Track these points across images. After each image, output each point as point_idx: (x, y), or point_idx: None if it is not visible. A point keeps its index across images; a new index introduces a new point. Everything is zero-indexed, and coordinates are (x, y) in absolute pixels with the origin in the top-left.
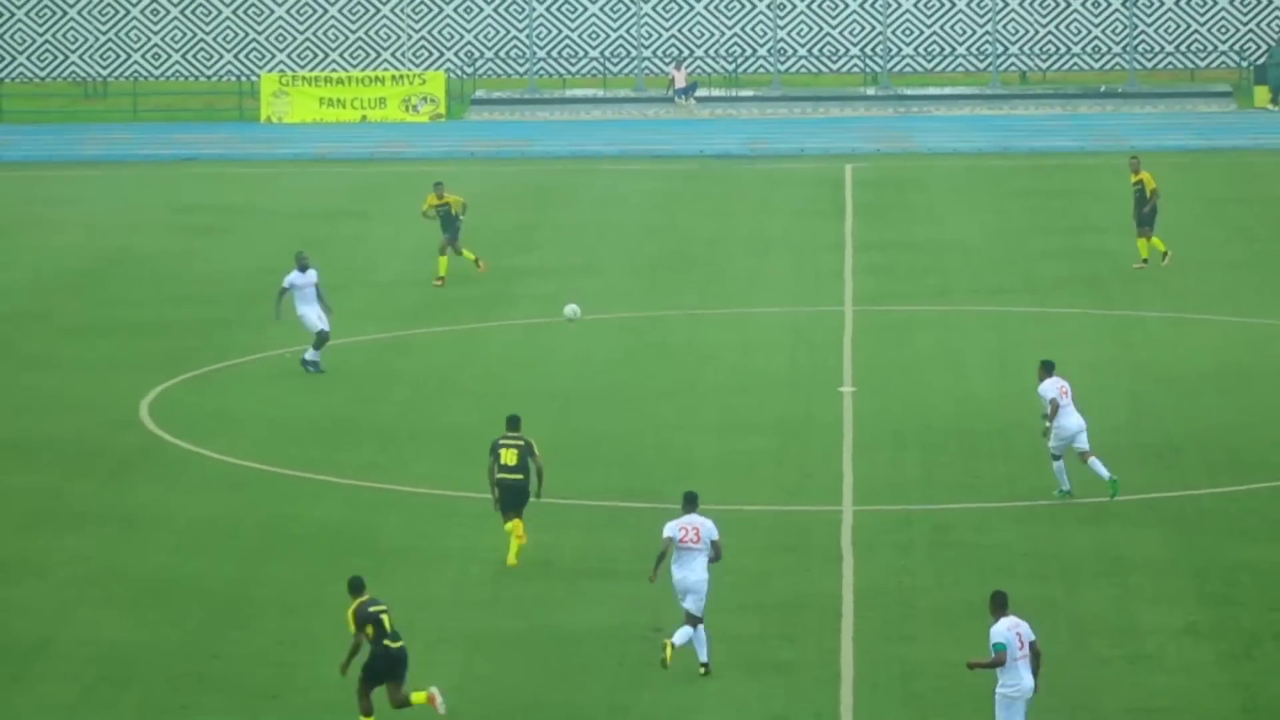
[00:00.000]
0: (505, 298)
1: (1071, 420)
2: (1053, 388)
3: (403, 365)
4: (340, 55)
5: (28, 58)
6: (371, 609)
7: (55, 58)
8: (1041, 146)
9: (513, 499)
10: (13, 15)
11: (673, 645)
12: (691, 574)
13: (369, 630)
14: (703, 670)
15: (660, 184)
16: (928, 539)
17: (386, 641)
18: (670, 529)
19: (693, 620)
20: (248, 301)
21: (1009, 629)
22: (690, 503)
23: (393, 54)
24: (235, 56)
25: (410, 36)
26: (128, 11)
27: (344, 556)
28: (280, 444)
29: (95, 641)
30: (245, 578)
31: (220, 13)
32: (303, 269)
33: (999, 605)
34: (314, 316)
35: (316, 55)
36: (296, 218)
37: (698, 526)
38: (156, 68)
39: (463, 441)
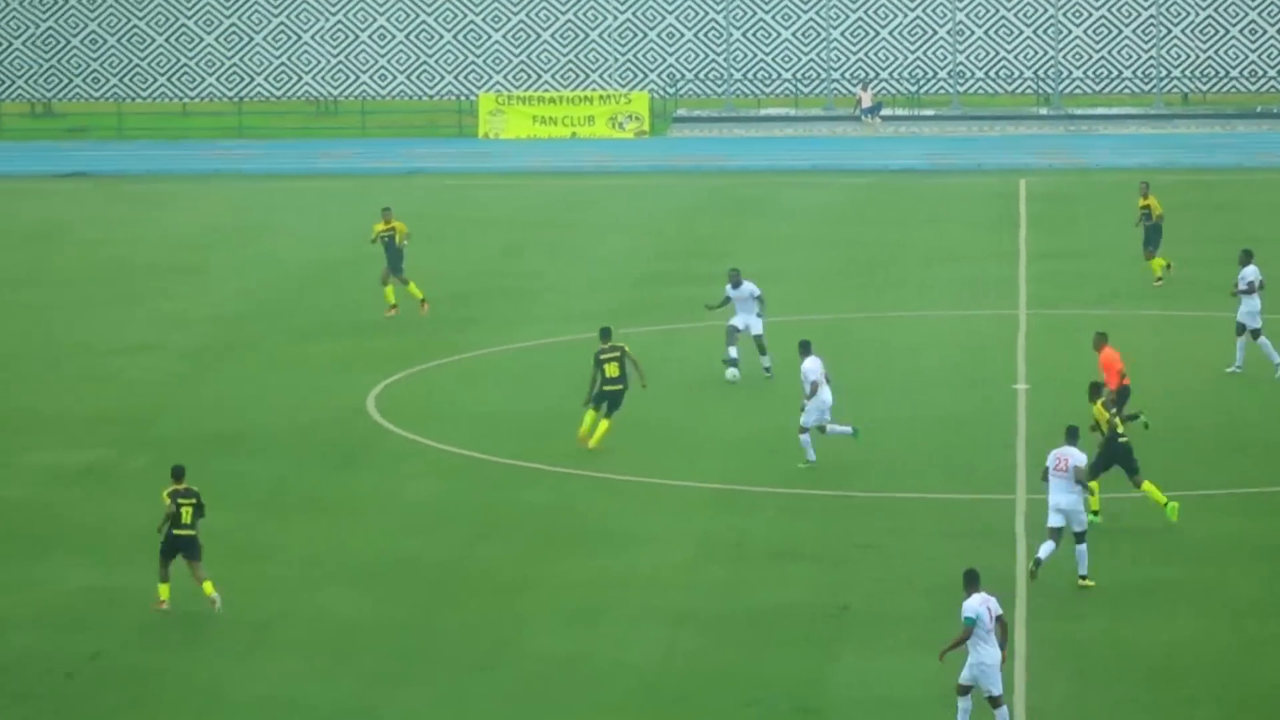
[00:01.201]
0: (703, 300)
1: (828, 395)
2: (815, 368)
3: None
4: (552, 76)
5: (265, 79)
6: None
7: (291, 79)
8: (1202, 163)
9: (613, 404)
10: (252, 40)
11: (1038, 560)
12: (1064, 499)
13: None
14: (1081, 582)
15: (847, 196)
16: (1097, 524)
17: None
18: (1049, 457)
19: (1055, 536)
20: (465, 303)
21: (980, 603)
22: (1071, 436)
23: (601, 75)
24: (455, 77)
25: (617, 59)
26: (357, 36)
27: (553, 539)
28: (495, 434)
29: (323, 617)
30: (461, 558)
31: (442, 37)
32: (735, 285)
33: (971, 582)
34: (740, 324)
35: (530, 76)
36: (510, 226)
37: (1067, 457)
38: (383, 88)
39: (665, 432)
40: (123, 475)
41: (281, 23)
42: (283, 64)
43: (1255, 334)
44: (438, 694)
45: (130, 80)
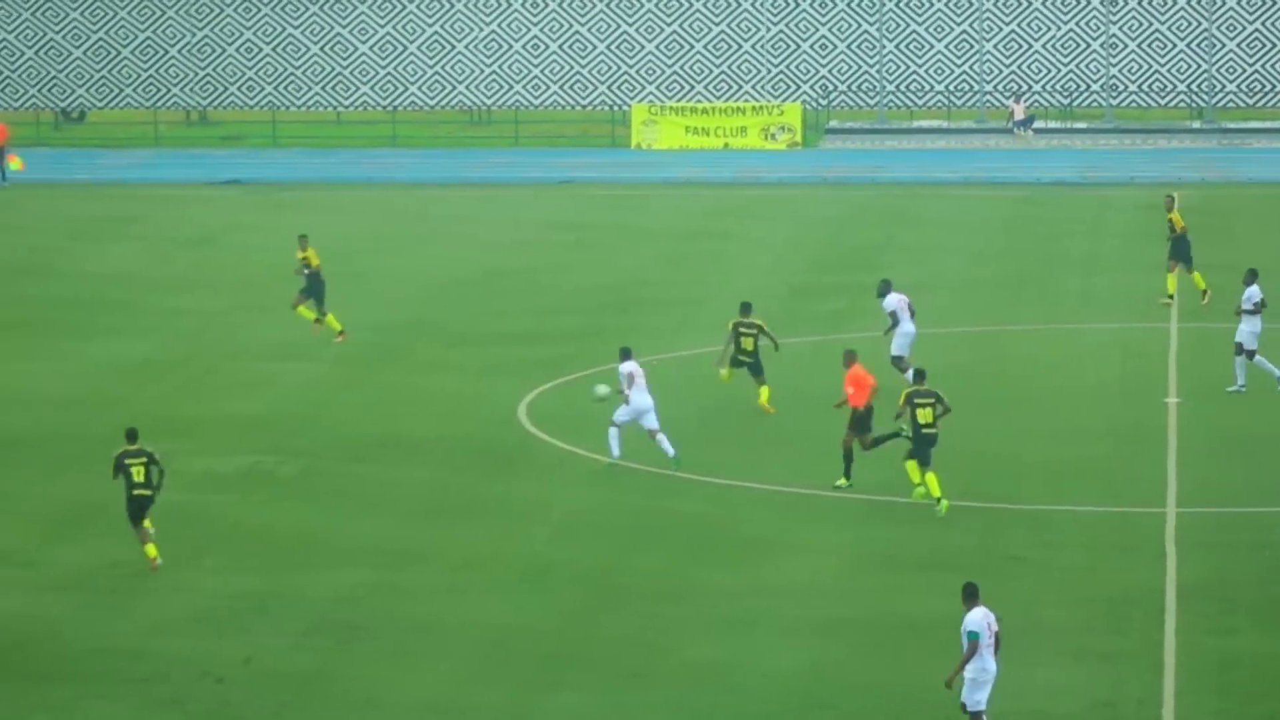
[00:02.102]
0: (855, 312)
1: (644, 400)
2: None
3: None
4: (705, 87)
5: (419, 88)
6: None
7: (444, 88)
8: None
9: (753, 372)
10: (406, 49)
11: None
12: None
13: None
14: None
15: (999, 208)
16: (1249, 539)
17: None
18: None
19: None
20: (618, 312)
21: (982, 618)
22: None
23: (753, 86)
24: (608, 88)
25: (770, 70)
26: (510, 46)
27: (707, 547)
28: (647, 443)
29: (478, 622)
30: (615, 566)
31: (595, 47)
32: (883, 295)
33: (970, 596)
34: (903, 334)
35: (683, 87)
36: (662, 236)
37: None
38: (536, 98)
39: (818, 443)
40: (277, 481)
41: (435, 32)
42: (436, 73)
43: (1250, 354)
44: (591, 700)
45: (285, 89)
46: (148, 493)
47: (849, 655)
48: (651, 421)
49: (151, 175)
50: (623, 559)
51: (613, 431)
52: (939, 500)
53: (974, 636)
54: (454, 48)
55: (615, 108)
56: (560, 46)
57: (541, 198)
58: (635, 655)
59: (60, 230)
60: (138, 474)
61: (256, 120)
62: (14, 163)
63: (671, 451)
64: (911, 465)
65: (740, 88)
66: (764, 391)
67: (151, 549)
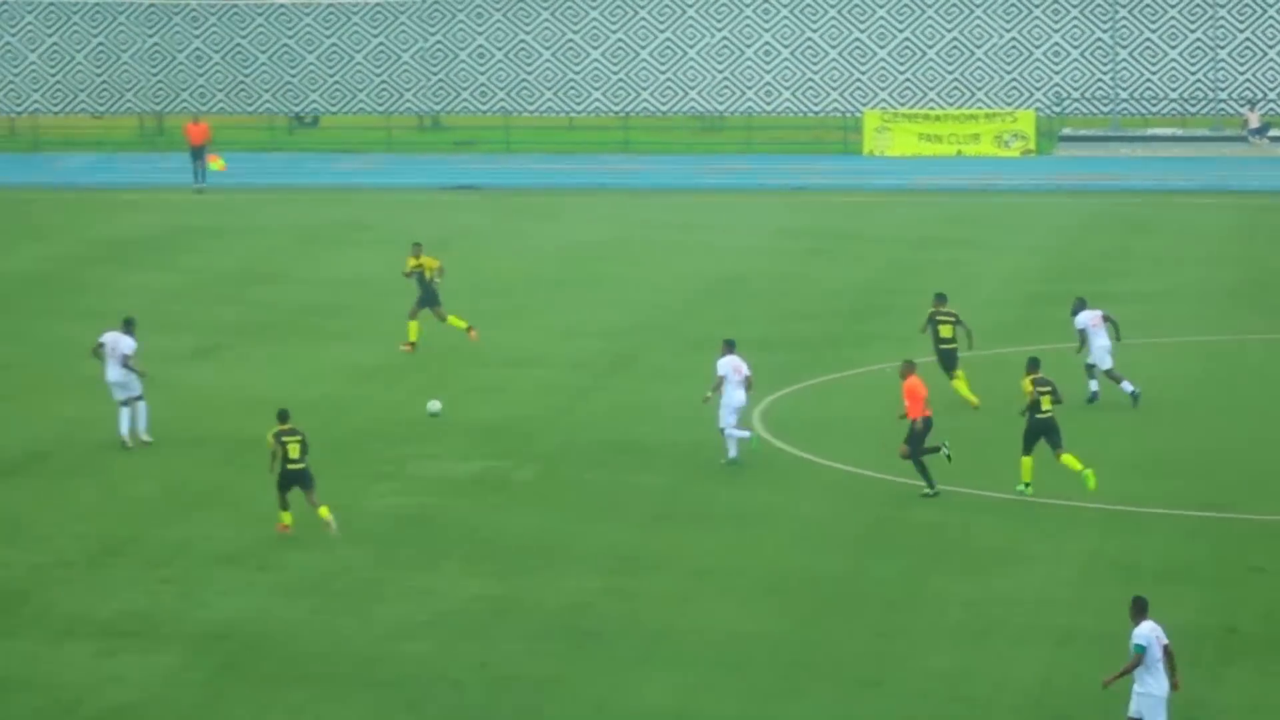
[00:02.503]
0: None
1: (734, 396)
2: (725, 365)
3: (995, 381)
4: (937, 94)
5: (651, 93)
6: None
7: (677, 94)
8: None
9: (948, 364)
10: (638, 55)
11: None
12: None
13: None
14: None
15: (1236, 217)
16: None
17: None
18: None
19: None
20: (852, 319)
21: (1150, 631)
22: None
23: (986, 93)
24: (841, 94)
25: (1002, 77)
26: (743, 52)
27: (940, 555)
28: (882, 451)
29: (711, 629)
30: (850, 573)
31: (828, 54)
32: (1076, 313)
33: (1139, 610)
34: (1098, 348)
35: (915, 94)
36: (896, 243)
37: None
38: (769, 104)
39: (1048, 450)
40: (513, 486)
41: (667, 38)
42: (668, 79)
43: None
44: (825, 708)
45: (517, 94)
46: (302, 466)
47: (1083, 667)
48: (728, 418)
49: (384, 180)
50: (857, 567)
51: (728, 434)
52: (1083, 472)
53: (1139, 650)
54: (686, 54)
55: (848, 114)
56: (792, 53)
57: (774, 204)
58: (869, 663)
59: (294, 235)
60: (293, 450)
61: (489, 125)
62: (215, 163)
63: (733, 453)
64: (1027, 461)
65: (973, 95)
66: (961, 385)
67: (324, 511)
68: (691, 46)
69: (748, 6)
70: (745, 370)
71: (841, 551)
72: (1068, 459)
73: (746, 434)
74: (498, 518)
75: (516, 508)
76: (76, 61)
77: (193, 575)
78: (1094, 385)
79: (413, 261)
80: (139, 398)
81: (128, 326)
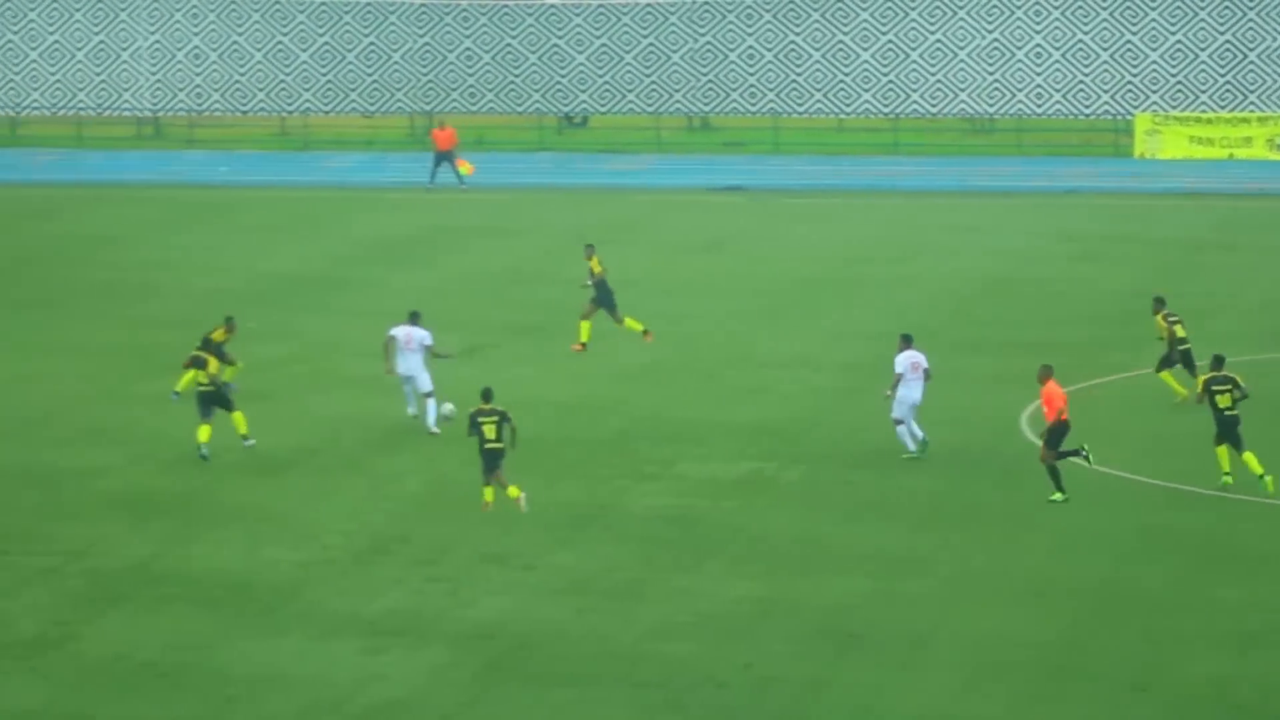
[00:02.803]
0: None
1: (914, 392)
2: (904, 361)
3: (1269, 386)
4: (1209, 97)
5: (921, 95)
6: (480, 418)
7: (946, 96)
8: None
9: (1186, 362)
10: (908, 56)
11: None
12: None
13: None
14: None
15: None
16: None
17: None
18: None
19: None
20: (1122, 324)
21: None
22: None
23: (1259, 96)
24: (1111, 97)
25: (1276, 81)
26: (1014, 54)
27: (1209, 561)
28: (1156, 456)
29: (976, 633)
30: (1116, 578)
31: (1099, 56)
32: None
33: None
34: None
35: (1187, 97)
36: (1167, 247)
37: None
38: (1039, 106)
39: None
40: (778, 487)
41: (937, 40)
42: (938, 81)
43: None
44: (1091, 713)
45: (787, 95)
46: (500, 445)
47: None
48: (903, 413)
49: (653, 181)
50: (1124, 571)
51: (900, 429)
52: (1262, 477)
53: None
54: (956, 55)
55: (1118, 117)
56: (1063, 55)
57: (1044, 207)
58: (1136, 668)
59: (561, 235)
60: (489, 431)
61: (758, 126)
62: (464, 167)
63: (912, 447)
64: (1221, 451)
65: (1245, 98)
66: (1168, 377)
67: (514, 490)
68: (962, 48)
69: (1019, 8)
70: (924, 364)
71: (1108, 555)
72: (1248, 458)
73: (920, 435)
74: (764, 519)
75: (782, 509)
76: (347, 61)
77: (459, 574)
78: None
79: (596, 267)
80: (429, 394)
81: (414, 319)
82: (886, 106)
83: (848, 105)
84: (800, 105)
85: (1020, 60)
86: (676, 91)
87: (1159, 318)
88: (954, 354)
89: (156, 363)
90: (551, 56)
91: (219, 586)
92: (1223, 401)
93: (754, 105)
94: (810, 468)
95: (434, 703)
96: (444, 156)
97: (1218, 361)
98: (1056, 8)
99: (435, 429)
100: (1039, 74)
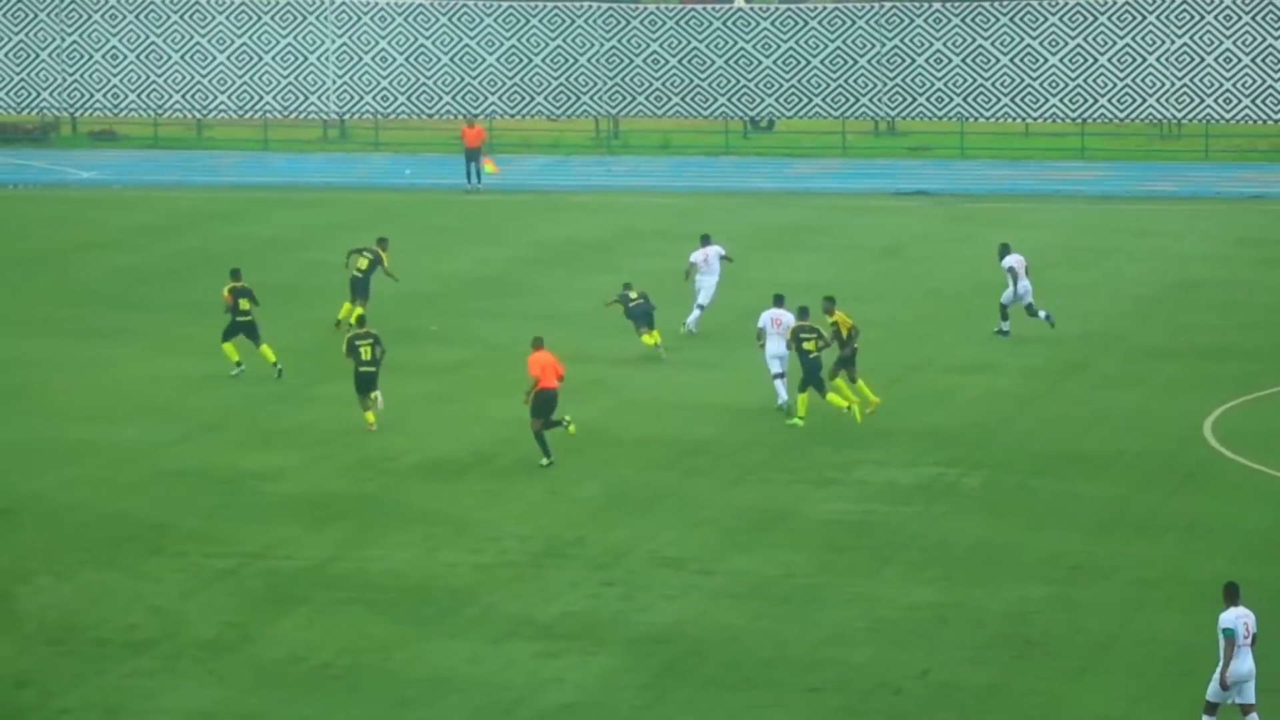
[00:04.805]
0: None
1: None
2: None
3: None
4: None
5: (1109, 100)
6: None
7: (1134, 101)
8: None
9: None
10: (1095, 61)
11: None
12: None
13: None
14: None
15: None
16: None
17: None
18: None
19: None
20: None
21: (1236, 617)
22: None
23: None
24: None
25: None
26: (1203, 59)
27: None
28: None
29: (1156, 639)
30: None
31: None
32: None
33: (1230, 595)
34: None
35: None
36: None
37: None
38: (1228, 111)
39: None
40: (959, 493)
41: (1126, 45)
42: (1126, 86)
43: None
44: None
45: (973, 100)
46: (373, 369)
47: None
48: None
49: (838, 185)
50: None
51: (777, 383)
52: (849, 409)
53: (1228, 634)
54: (1145, 60)
55: None
56: (1253, 60)
57: (1232, 213)
58: None
59: (746, 239)
60: (365, 353)
61: (944, 131)
62: (489, 166)
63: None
64: (802, 397)
65: None
66: None
67: (370, 416)
68: (1151, 53)
69: (1209, 13)
70: (787, 321)
71: None
72: (832, 398)
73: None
74: (943, 525)
75: (962, 515)
76: (534, 64)
77: (635, 578)
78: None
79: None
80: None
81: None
82: (1074, 111)
83: (1034, 110)
84: (987, 110)
85: (1209, 65)
86: (863, 96)
87: None
88: (1138, 359)
89: (334, 365)
90: (738, 60)
91: (395, 589)
92: (808, 346)
93: (940, 110)
94: (990, 473)
95: (608, 707)
96: (473, 154)
97: (803, 312)
98: (1247, 12)
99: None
100: (1228, 79)
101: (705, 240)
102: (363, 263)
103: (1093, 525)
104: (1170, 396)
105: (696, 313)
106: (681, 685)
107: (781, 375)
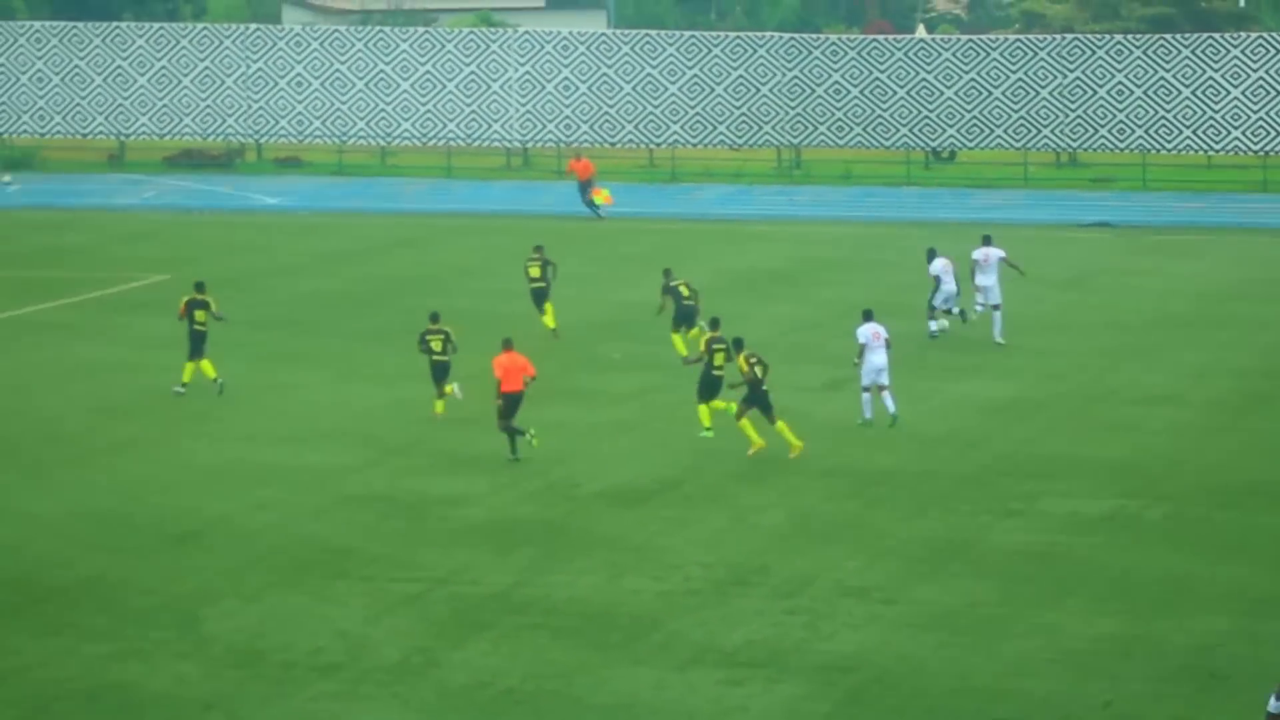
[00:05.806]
0: None
1: (877, 358)
2: (866, 331)
3: None
4: None
5: None
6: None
7: None
8: None
9: None
10: (1278, 94)
11: None
12: None
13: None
14: None
15: None
16: None
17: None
18: None
19: None
20: None
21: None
22: None
23: None
24: None
25: None
26: None
27: None
28: None
29: None
30: None
31: None
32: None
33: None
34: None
35: None
36: None
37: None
38: None
39: None
40: (1143, 525)
41: (1209, 78)
42: None
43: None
44: None
45: (1155, 132)
46: (445, 359)
47: None
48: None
49: (1019, 216)
50: None
51: (864, 396)
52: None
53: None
54: (1229, 93)
55: None
56: None
57: None
58: None
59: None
60: (435, 345)
61: (1126, 163)
62: (599, 196)
63: (868, 414)
64: (703, 409)
65: None
66: None
67: (439, 406)
68: (1235, 86)
69: None
70: (885, 334)
71: None
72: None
73: (892, 409)
74: (1126, 556)
75: (1145, 547)
76: (716, 94)
77: (818, 606)
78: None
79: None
80: (998, 306)
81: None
82: (1256, 144)
83: (1217, 142)
84: (1169, 142)
85: None
86: (1044, 127)
87: None
88: None
89: None
90: (920, 91)
91: (579, 615)
92: (717, 360)
93: (1122, 142)
94: (1174, 506)
95: None
96: (584, 186)
97: (714, 323)
98: None
99: (1000, 339)
100: None
101: (986, 240)
102: (535, 270)
103: (1277, 558)
104: None
105: (984, 311)
106: (864, 714)
107: (882, 388)
